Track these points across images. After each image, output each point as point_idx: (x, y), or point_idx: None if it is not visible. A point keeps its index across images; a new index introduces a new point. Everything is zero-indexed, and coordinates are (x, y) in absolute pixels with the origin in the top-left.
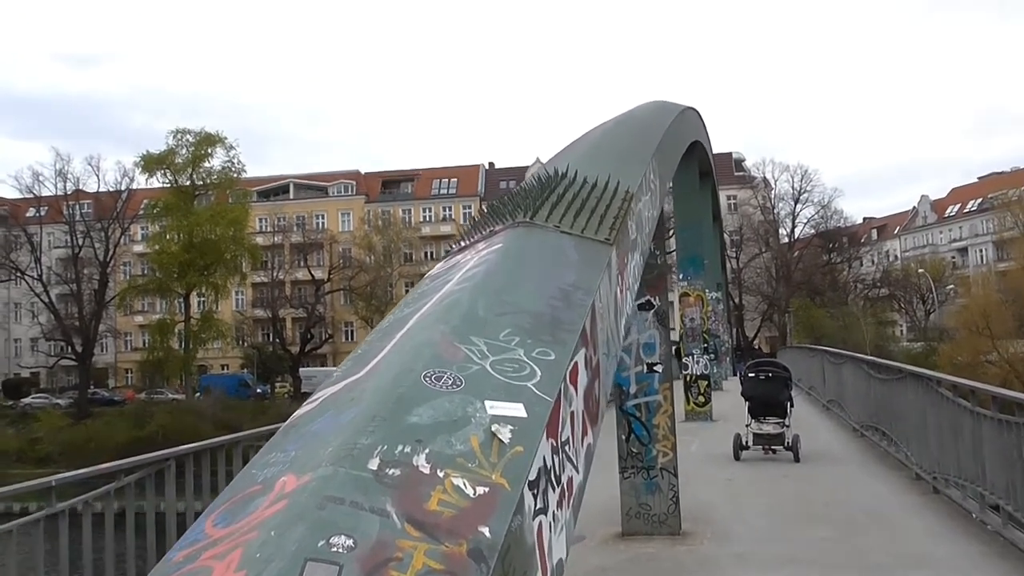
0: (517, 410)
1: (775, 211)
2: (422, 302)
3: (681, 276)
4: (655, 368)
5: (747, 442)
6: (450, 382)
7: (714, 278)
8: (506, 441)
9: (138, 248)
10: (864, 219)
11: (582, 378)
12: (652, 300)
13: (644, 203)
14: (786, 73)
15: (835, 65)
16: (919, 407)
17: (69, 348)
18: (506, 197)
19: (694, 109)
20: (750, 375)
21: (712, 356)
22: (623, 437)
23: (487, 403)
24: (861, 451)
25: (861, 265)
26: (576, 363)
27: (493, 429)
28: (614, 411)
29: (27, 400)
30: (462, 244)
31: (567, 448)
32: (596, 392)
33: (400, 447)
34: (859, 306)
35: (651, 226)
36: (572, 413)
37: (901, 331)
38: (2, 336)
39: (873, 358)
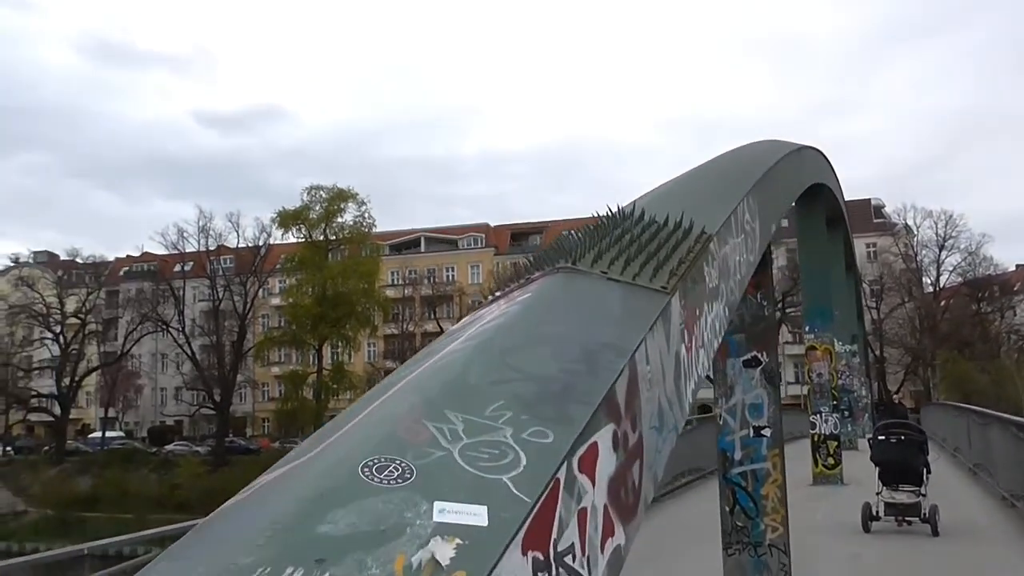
0: (476, 516)
1: (918, 259)
2: (422, 363)
3: (808, 328)
4: (763, 432)
5: (878, 512)
6: (396, 474)
7: (848, 330)
8: (444, 563)
9: (275, 301)
10: (1017, 266)
11: (606, 463)
12: (759, 356)
13: (732, 246)
14: (924, 115)
15: (976, 105)
16: None
17: (208, 398)
18: (557, 241)
19: (815, 149)
20: (880, 438)
21: (845, 413)
22: (727, 509)
23: (437, 505)
24: (1011, 525)
25: (1015, 315)
26: (594, 445)
27: (430, 544)
28: (717, 480)
29: (169, 447)
30: (496, 294)
31: (569, 559)
32: (634, 479)
33: (289, 570)
34: (1013, 359)
35: (744, 272)
36: (584, 511)
37: None
38: (150, 385)
39: (1023, 420)
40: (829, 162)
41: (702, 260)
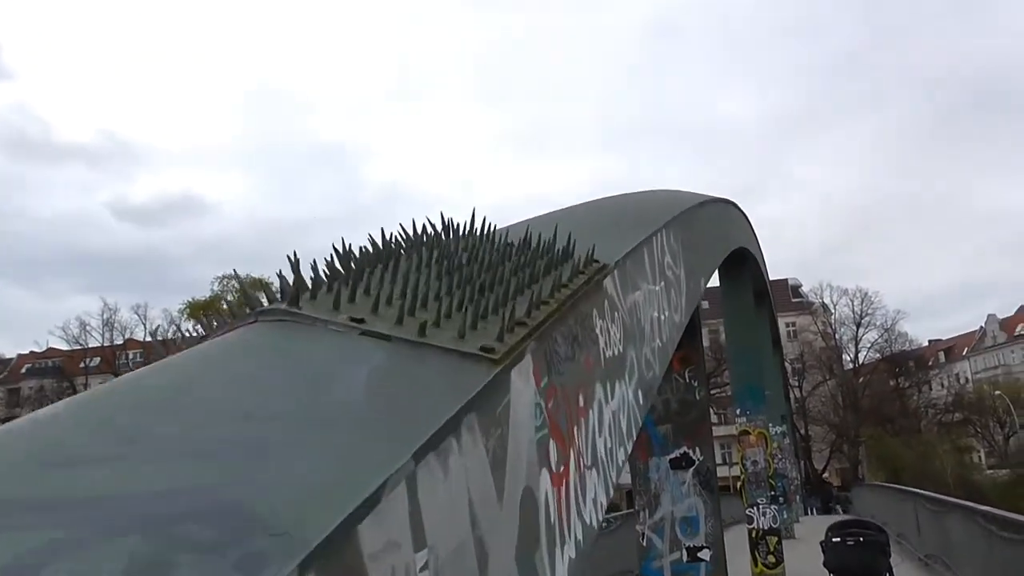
0: None
1: (837, 336)
2: None
3: (739, 410)
4: (700, 555)
5: None
6: None
7: (778, 410)
8: None
9: None
10: (929, 341)
11: None
12: (690, 453)
13: (647, 294)
14: (836, 195)
15: (884, 184)
16: None
17: None
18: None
19: (736, 206)
20: (835, 540)
21: (781, 500)
22: None
23: None
24: None
25: (931, 389)
26: None
27: None
28: None
29: None
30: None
31: None
32: None
33: None
34: (933, 433)
35: (668, 336)
36: None
37: (980, 457)
38: None
39: (991, 510)
40: (751, 225)
41: (591, 307)
